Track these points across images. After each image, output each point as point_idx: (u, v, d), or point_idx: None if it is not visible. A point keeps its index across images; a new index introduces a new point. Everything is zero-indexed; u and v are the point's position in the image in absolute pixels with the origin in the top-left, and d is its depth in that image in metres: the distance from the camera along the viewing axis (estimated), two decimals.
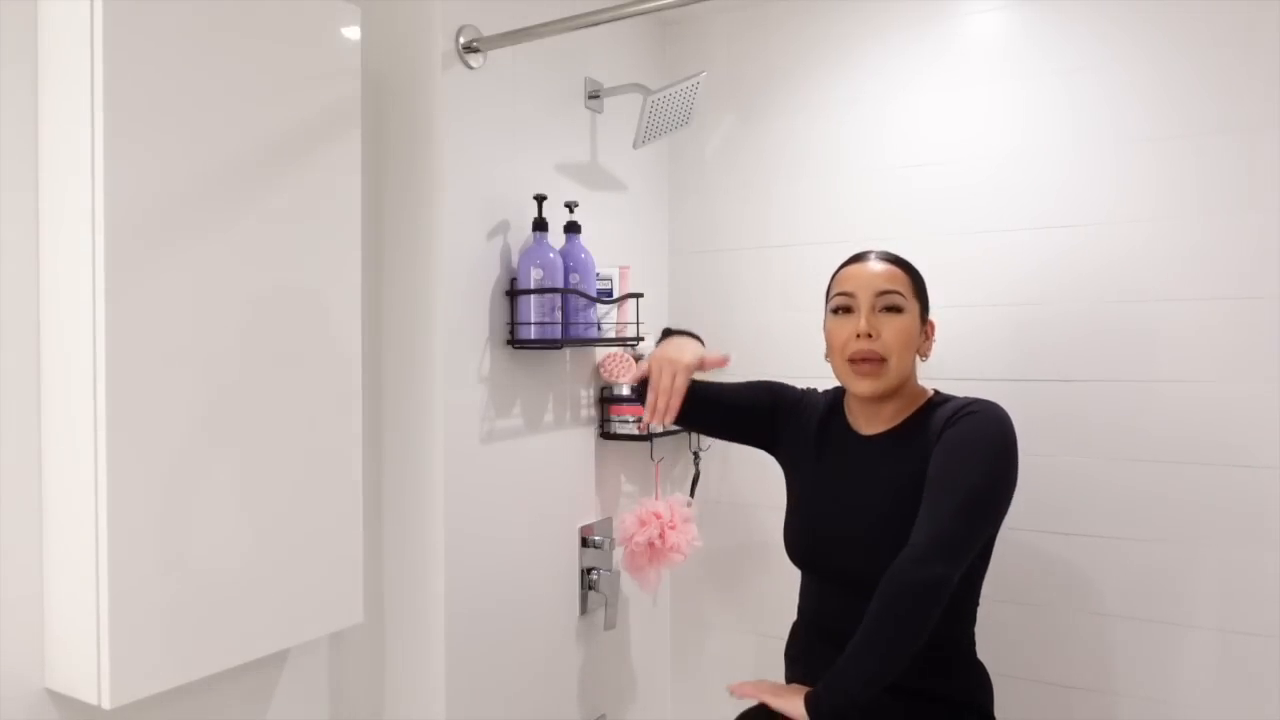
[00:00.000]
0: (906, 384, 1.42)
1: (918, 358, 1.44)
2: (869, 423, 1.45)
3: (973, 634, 1.45)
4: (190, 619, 1.20)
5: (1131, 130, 1.73)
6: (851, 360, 1.38)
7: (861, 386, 1.39)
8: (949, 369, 1.85)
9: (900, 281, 1.40)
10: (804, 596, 1.52)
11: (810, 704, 1.24)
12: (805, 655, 1.49)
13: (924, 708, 1.36)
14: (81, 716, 1.21)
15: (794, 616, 1.55)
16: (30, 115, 1.17)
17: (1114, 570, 1.75)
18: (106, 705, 1.12)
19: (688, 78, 1.87)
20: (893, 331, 1.36)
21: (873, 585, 1.26)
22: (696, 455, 2.17)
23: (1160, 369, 1.71)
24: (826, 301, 1.46)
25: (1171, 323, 1.69)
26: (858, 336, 1.37)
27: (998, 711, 1.44)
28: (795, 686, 1.31)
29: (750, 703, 1.42)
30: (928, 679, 1.35)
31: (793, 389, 1.60)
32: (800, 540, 1.49)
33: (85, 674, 1.13)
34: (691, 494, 2.15)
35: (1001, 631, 1.83)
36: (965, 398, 1.41)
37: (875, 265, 1.41)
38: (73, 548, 1.14)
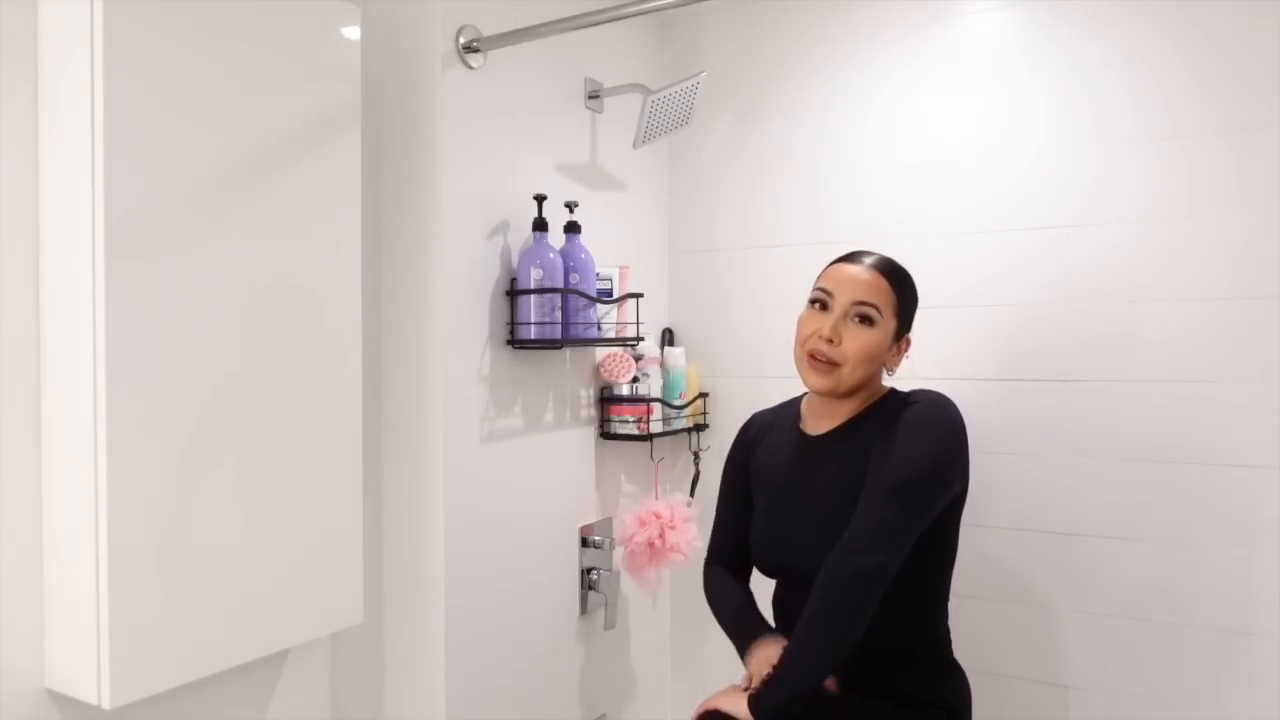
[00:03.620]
0: (863, 389, 1.42)
1: (885, 370, 1.44)
2: (820, 421, 1.46)
3: (945, 632, 1.43)
4: (190, 619, 1.20)
5: (1129, 131, 1.72)
6: (810, 355, 1.39)
7: (812, 380, 1.40)
8: (946, 369, 1.85)
9: (882, 294, 1.38)
10: (772, 602, 1.52)
11: (753, 703, 1.25)
12: None
13: (886, 707, 1.34)
14: (81, 716, 1.21)
15: None
16: (30, 115, 1.17)
17: (1109, 570, 1.74)
18: (106, 705, 1.12)
19: (687, 78, 1.87)
20: (856, 343, 1.36)
21: None
22: (696, 455, 2.17)
23: (1156, 369, 1.70)
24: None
25: (1169, 323, 1.69)
26: (821, 335, 1.37)
27: (991, 711, 1.43)
28: (742, 687, 1.32)
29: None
30: (891, 677, 1.35)
31: (738, 446, 1.59)
32: (758, 545, 1.49)
33: (85, 674, 1.13)
34: (691, 494, 2.15)
35: (995, 631, 1.84)
36: (914, 390, 1.40)
37: (864, 272, 1.40)
38: (73, 548, 1.14)
